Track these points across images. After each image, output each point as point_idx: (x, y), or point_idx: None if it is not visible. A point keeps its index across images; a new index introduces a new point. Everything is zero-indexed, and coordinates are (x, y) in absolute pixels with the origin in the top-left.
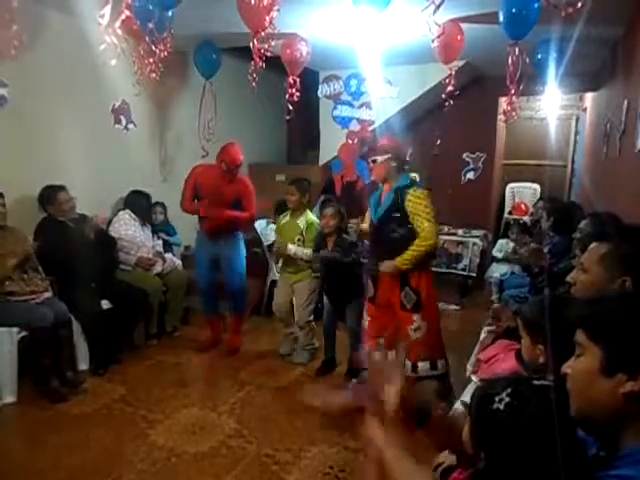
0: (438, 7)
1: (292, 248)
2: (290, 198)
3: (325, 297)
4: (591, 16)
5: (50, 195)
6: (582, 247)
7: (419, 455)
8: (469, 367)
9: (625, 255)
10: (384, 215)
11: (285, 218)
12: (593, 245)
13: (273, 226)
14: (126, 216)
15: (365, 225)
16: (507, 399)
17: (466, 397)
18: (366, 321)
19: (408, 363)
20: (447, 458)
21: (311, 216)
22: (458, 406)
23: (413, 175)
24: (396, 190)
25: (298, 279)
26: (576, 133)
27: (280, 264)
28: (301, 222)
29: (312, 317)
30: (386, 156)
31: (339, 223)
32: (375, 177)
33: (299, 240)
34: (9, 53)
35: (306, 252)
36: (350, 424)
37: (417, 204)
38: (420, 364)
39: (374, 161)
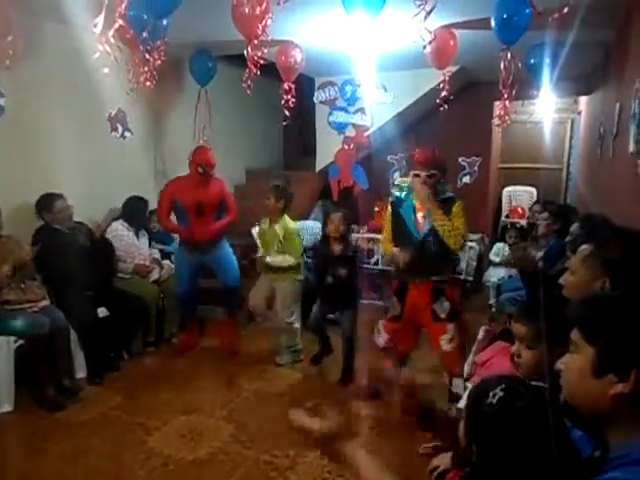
0: (429, 13)
1: (269, 259)
2: (266, 202)
3: (318, 301)
4: (583, 20)
5: (47, 203)
6: (573, 249)
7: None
8: (466, 368)
9: (605, 256)
10: (432, 229)
11: (265, 224)
12: (582, 247)
13: None
14: (119, 226)
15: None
16: (500, 394)
17: (463, 402)
18: (381, 339)
19: (445, 375)
20: (441, 462)
21: (288, 222)
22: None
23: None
24: (442, 201)
25: (279, 278)
26: (571, 136)
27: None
28: (279, 229)
29: (294, 318)
30: (431, 172)
31: (346, 228)
32: (414, 190)
33: (278, 248)
34: (5, 63)
35: (287, 259)
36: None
37: (460, 213)
38: (455, 381)
39: (417, 175)
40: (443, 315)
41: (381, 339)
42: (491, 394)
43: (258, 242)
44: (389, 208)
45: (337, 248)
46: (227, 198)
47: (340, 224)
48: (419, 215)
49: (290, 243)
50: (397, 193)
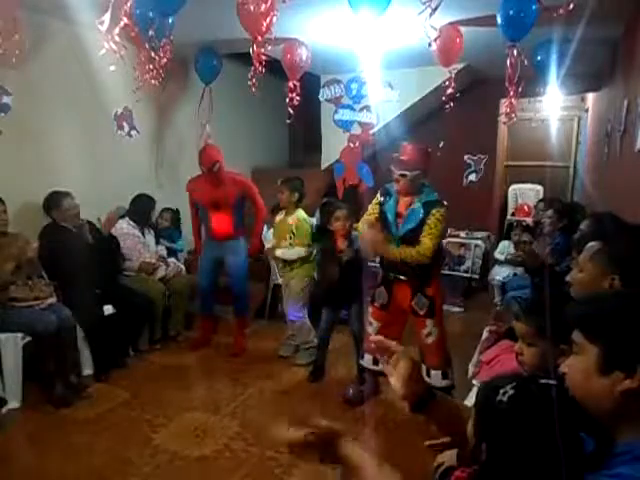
0: (434, 10)
1: (279, 252)
2: (280, 196)
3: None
4: (590, 16)
5: (55, 201)
6: (579, 248)
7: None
8: (471, 368)
9: (614, 253)
10: (413, 230)
11: (280, 216)
12: (589, 244)
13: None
14: (124, 225)
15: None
16: (511, 392)
17: (470, 400)
18: (373, 327)
19: (424, 366)
20: (447, 459)
21: (301, 214)
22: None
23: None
24: (424, 205)
25: (292, 276)
26: (578, 134)
27: (279, 265)
28: (291, 219)
29: (303, 313)
30: (416, 172)
31: (351, 224)
32: (400, 190)
33: (290, 238)
34: (11, 62)
35: (298, 250)
36: (352, 426)
37: (437, 223)
38: (433, 372)
39: (403, 175)
40: (422, 312)
41: (372, 329)
42: (501, 392)
43: (270, 234)
44: (378, 199)
45: (343, 245)
46: (250, 196)
47: (346, 220)
48: (399, 216)
49: (300, 232)
50: (383, 194)
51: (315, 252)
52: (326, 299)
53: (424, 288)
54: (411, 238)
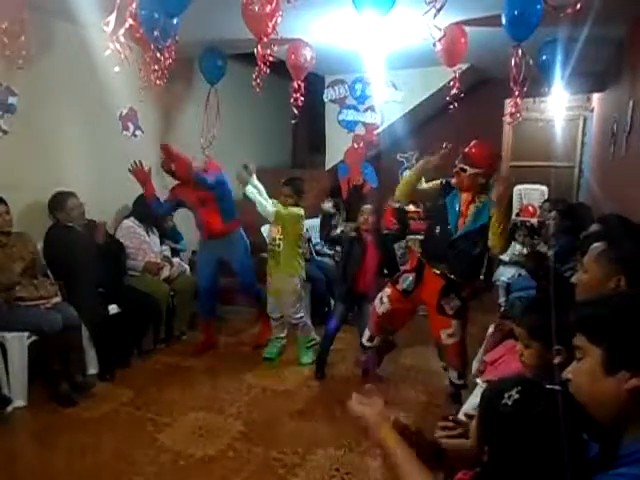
0: (439, 11)
1: (249, 188)
2: (287, 200)
3: (339, 295)
4: (595, 16)
5: (60, 201)
6: (584, 248)
7: None
8: (475, 364)
9: (620, 254)
10: (475, 230)
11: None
12: (593, 245)
13: None
14: (129, 224)
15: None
16: (516, 396)
17: (469, 406)
18: (384, 306)
19: (442, 363)
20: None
21: (294, 208)
22: (461, 416)
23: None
24: (486, 206)
25: (279, 274)
26: (584, 134)
27: (269, 261)
28: (284, 211)
29: (302, 314)
30: (477, 170)
31: (377, 220)
32: (457, 184)
33: (278, 230)
34: (17, 63)
35: (266, 204)
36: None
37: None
38: (451, 372)
39: (463, 170)
40: (450, 312)
41: (382, 308)
42: (506, 396)
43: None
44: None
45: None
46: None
47: (370, 215)
48: (461, 217)
49: (288, 217)
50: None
51: (305, 249)
52: (347, 296)
53: (460, 288)
54: (469, 237)
